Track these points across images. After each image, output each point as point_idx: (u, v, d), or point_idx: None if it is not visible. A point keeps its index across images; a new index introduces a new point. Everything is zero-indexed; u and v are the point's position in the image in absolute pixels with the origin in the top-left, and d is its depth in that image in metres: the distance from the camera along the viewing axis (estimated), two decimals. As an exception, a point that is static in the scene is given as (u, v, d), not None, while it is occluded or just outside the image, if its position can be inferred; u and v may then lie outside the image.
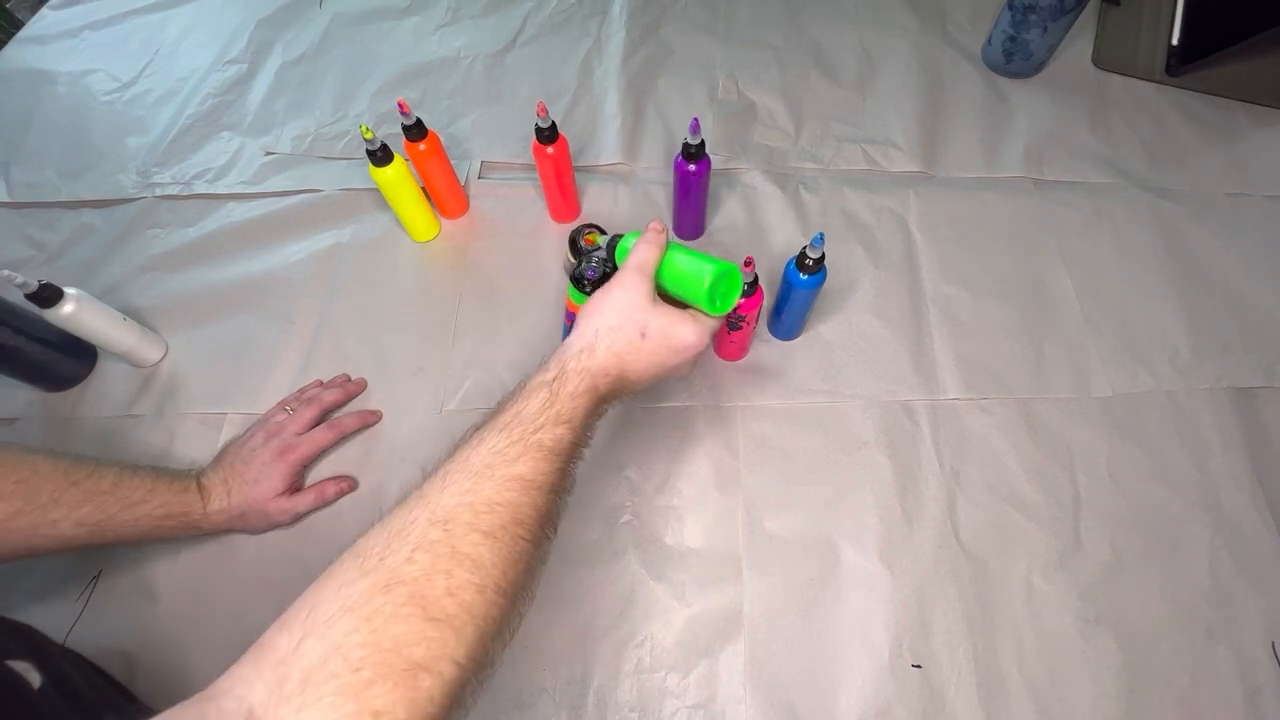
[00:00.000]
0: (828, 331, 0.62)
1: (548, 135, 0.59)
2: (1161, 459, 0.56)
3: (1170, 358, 0.61)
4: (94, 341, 0.58)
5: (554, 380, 0.39)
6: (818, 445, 0.56)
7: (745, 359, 0.61)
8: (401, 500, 0.33)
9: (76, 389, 0.60)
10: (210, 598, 0.51)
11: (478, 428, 0.37)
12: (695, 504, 0.54)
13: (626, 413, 0.58)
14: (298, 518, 0.53)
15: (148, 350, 0.61)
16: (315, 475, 0.56)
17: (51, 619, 0.50)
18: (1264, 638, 0.49)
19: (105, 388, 0.61)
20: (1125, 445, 0.57)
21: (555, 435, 0.37)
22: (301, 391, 0.58)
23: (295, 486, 0.53)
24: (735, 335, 0.56)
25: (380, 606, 0.28)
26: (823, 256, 0.50)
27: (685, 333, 0.42)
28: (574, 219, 0.69)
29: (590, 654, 0.49)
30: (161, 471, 0.49)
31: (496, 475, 0.34)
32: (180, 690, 0.47)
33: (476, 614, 0.30)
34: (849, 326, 0.62)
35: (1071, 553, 0.52)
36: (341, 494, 0.55)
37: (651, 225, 0.45)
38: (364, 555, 0.30)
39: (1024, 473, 0.55)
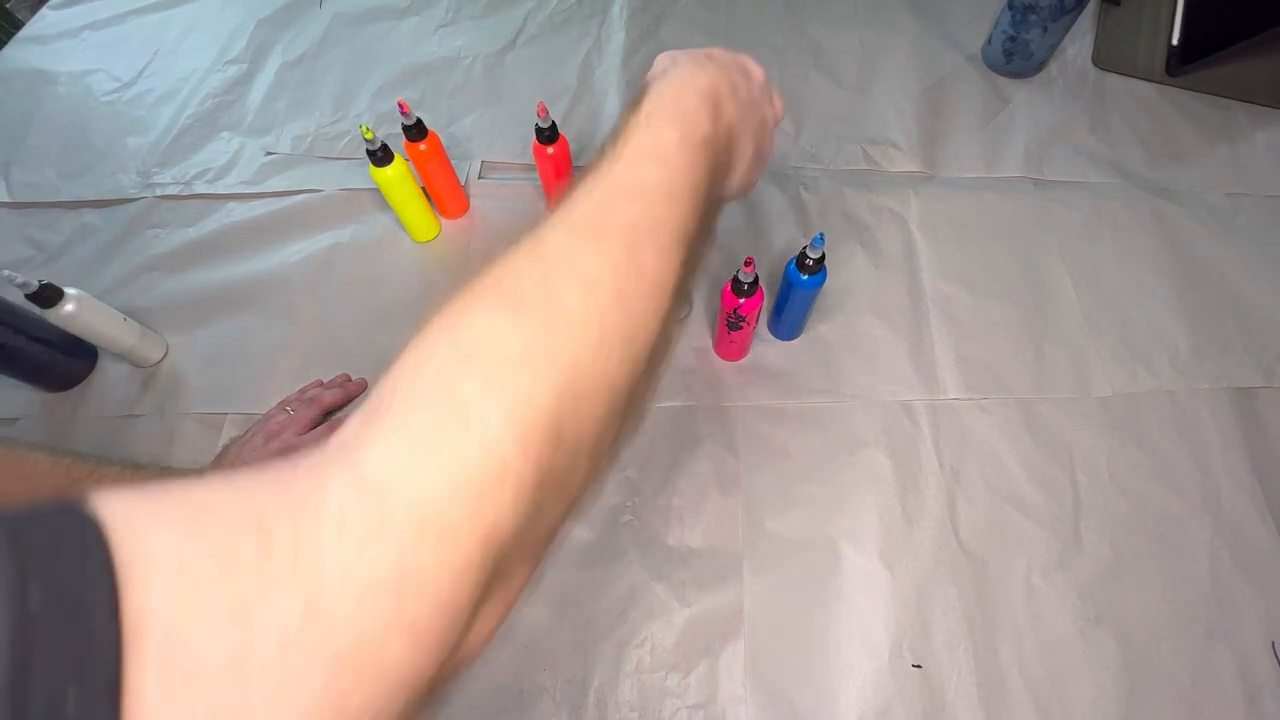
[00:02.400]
0: (828, 331, 0.62)
1: (548, 135, 0.59)
2: (1161, 459, 0.56)
3: (1170, 358, 0.61)
4: (94, 341, 0.58)
5: (634, 103, 0.32)
6: (818, 445, 0.56)
7: (745, 359, 0.61)
8: None
9: (77, 389, 0.60)
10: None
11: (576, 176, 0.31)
12: (695, 504, 0.54)
13: (627, 413, 0.58)
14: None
15: (148, 350, 0.61)
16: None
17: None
18: (1264, 638, 0.49)
19: (105, 388, 0.61)
20: (1125, 445, 0.57)
21: (652, 132, 0.29)
22: (302, 392, 0.58)
23: None
24: (735, 335, 0.56)
25: (464, 316, 0.24)
26: (823, 257, 0.50)
27: (742, 57, 0.37)
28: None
29: (590, 654, 0.49)
30: (166, 470, 0.49)
31: (598, 188, 0.27)
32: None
33: (579, 317, 0.23)
34: (849, 326, 0.62)
35: (1071, 553, 0.52)
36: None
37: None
38: (468, 284, 0.25)
39: (1024, 473, 0.55)
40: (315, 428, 0.55)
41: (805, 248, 0.49)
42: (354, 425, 0.21)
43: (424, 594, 0.18)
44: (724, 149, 0.33)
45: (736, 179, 0.36)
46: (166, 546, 0.15)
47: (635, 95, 0.33)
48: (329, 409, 0.57)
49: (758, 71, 0.38)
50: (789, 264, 0.52)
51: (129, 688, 0.13)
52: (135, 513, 0.16)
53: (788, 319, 0.58)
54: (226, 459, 0.52)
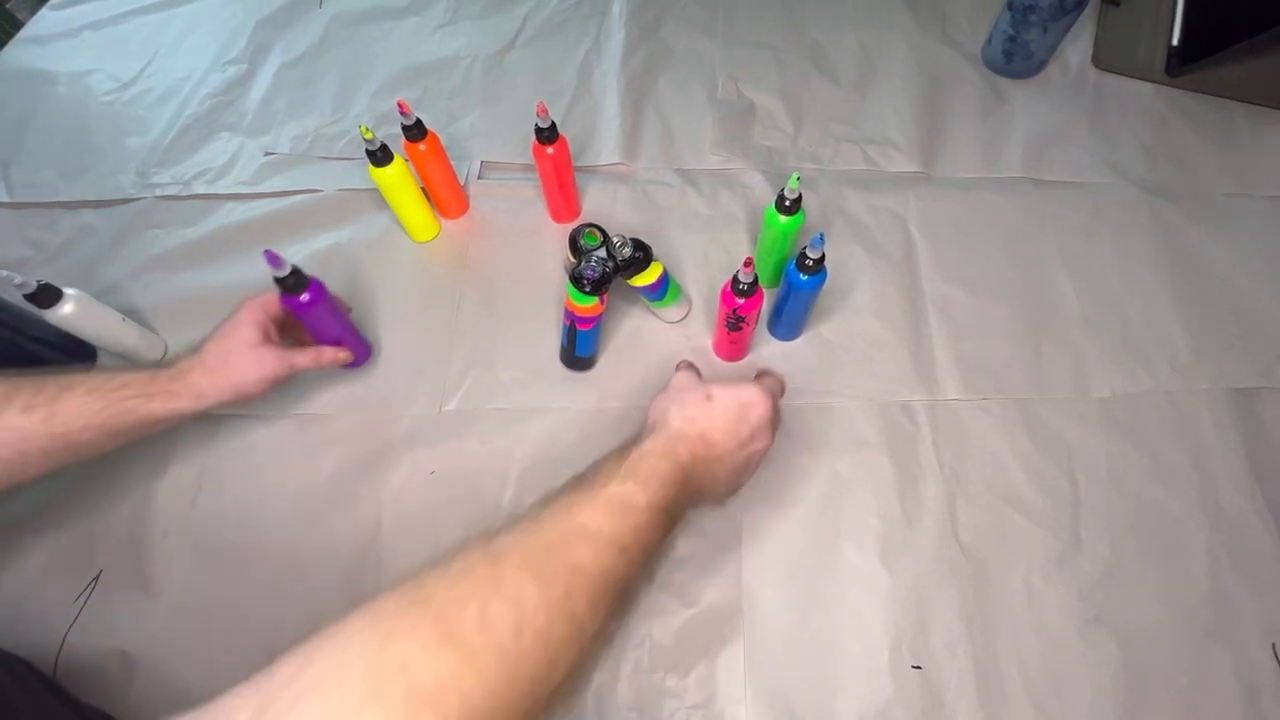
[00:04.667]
0: (828, 331, 0.62)
1: (547, 135, 0.59)
2: (1161, 459, 0.56)
3: (1169, 358, 0.61)
4: (94, 342, 0.58)
5: (627, 445, 0.38)
6: (817, 445, 0.56)
7: (745, 359, 0.61)
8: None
9: (76, 389, 0.60)
10: (210, 598, 0.51)
11: (550, 492, 0.35)
12: (695, 504, 0.54)
13: (627, 412, 0.58)
14: (294, 368, 0.50)
15: (147, 350, 0.61)
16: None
17: (51, 618, 0.50)
18: (1264, 638, 0.49)
19: (105, 388, 0.60)
20: (1124, 445, 0.56)
21: (626, 491, 0.34)
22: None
23: (273, 340, 0.50)
24: (735, 336, 0.56)
25: (399, 625, 0.25)
26: (823, 257, 0.49)
27: (749, 391, 0.42)
28: (574, 219, 0.69)
29: (590, 654, 0.49)
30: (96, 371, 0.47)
31: (558, 523, 0.32)
32: (180, 690, 0.47)
33: (505, 656, 0.26)
34: (849, 326, 0.62)
35: (1071, 553, 0.52)
36: (337, 362, 0.53)
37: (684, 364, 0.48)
38: (408, 581, 0.28)
39: (1023, 473, 0.55)
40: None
41: (805, 248, 0.49)
42: (252, 708, 0.23)
43: None
44: (687, 504, 0.38)
45: (705, 505, 0.42)
46: None
47: (626, 441, 0.39)
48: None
49: (758, 411, 0.42)
50: (789, 264, 0.52)
51: None
52: None
53: (788, 319, 0.58)
54: (203, 351, 0.48)
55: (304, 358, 0.51)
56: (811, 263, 0.50)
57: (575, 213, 0.69)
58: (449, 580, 0.28)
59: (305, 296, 0.49)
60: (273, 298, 0.50)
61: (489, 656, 0.25)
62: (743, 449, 0.41)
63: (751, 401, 0.42)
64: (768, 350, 0.61)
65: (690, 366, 0.48)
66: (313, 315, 0.51)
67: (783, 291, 0.55)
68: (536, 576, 0.29)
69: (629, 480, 0.35)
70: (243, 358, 0.48)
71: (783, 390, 0.46)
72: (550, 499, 0.34)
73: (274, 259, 0.46)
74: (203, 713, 0.24)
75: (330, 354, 0.53)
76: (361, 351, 0.59)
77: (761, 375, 0.46)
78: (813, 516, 0.53)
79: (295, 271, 0.48)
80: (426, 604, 0.26)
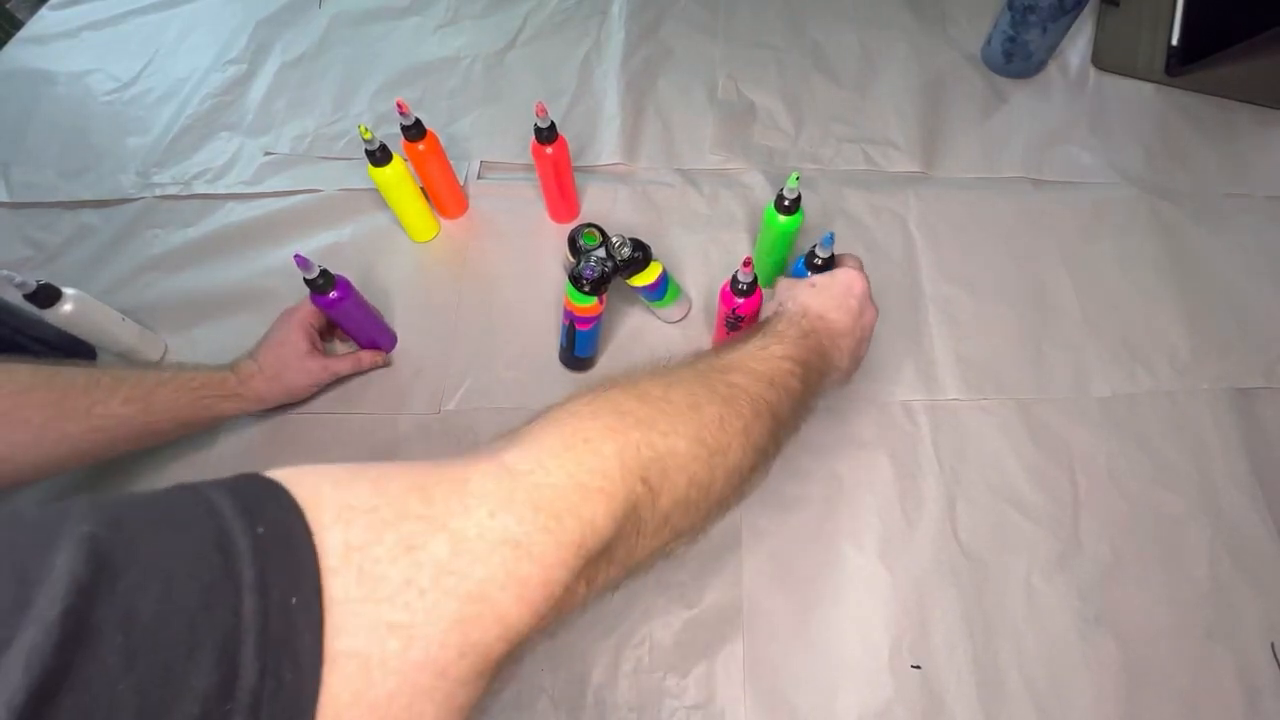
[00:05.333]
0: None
1: (547, 135, 0.59)
2: (1161, 459, 0.56)
3: (1170, 358, 0.61)
4: (93, 342, 0.58)
5: (755, 328, 0.43)
6: (817, 445, 0.56)
7: (745, 359, 0.61)
8: None
9: (76, 389, 0.60)
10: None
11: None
12: (695, 504, 0.54)
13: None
14: (336, 375, 0.57)
15: (147, 350, 0.61)
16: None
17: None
18: (1264, 638, 0.49)
19: (104, 388, 0.60)
20: (1125, 446, 0.56)
21: (763, 343, 0.39)
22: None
23: (319, 349, 0.56)
24: (735, 335, 0.56)
25: (597, 396, 0.31)
26: (832, 256, 0.49)
27: (846, 273, 0.46)
28: (573, 219, 0.69)
29: (589, 654, 0.49)
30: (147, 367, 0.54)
31: (714, 364, 0.37)
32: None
33: (681, 422, 0.31)
34: (849, 326, 0.62)
35: (1071, 553, 0.52)
36: (375, 365, 0.59)
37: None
38: (626, 382, 0.33)
39: (1024, 473, 0.55)
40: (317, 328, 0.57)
41: (815, 246, 0.49)
42: (500, 441, 0.28)
43: (533, 559, 0.23)
44: (820, 368, 0.43)
45: (833, 381, 0.46)
46: (358, 500, 0.21)
47: (770, 317, 0.45)
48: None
49: (858, 286, 0.46)
50: (797, 263, 0.52)
51: (330, 595, 0.19)
52: (320, 482, 0.21)
53: None
54: (258, 358, 0.54)
55: (344, 364, 0.57)
56: (821, 261, 0.49)
57: (575, 213, 0.69)
58: (634, 374, 0.33)
59: (334, 294, 0.53)
60: (314, 308, 0.55)
61: (671, 413, 0.31)
62: (856, 321, 0.46)
63: (851, 280, 0.46)
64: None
65: (783, 279, 0.50)
66: (342, 311, 0.55)
67: None
68: (702, 381, 0.34)
69: (766, 337, 0.40)
70: (295, 366, 0.54)
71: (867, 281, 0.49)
72: (696, 357, 0.39)
73: (303, 262, 0.50)
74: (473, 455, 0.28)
75: (369, 358, 0.58)
76: (390, 339, 0.62)
77: (842, 259, 0.49)
78: (813, 516, 0.53)
79: (324, 272, 0.52)
80: (618, 382, 0.32)
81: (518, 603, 0.22)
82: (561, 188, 0.64)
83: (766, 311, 0.48)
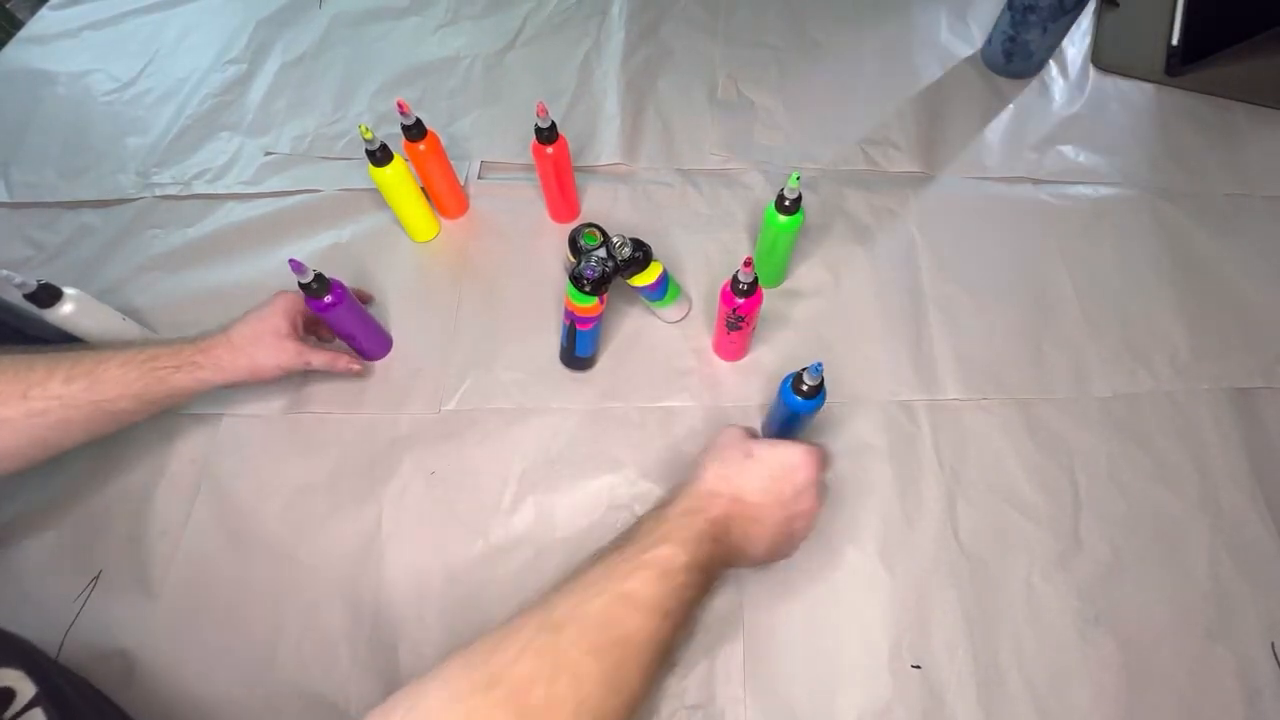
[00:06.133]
0: (828, 331, 0.62)
1: (547, 135, 0.59)
2: (1161, 459, 0.56)
3: (1170, 358, 0.61)
4: (93, 342, 0.58)
5: (664, 505, 0.39)
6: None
7: (745, 359, 0.61)
8: (520, 608, 0.33)
9: (76, 389, 0.60)
10: (210, 598, 0.51)
11: (600, 550, 0.37)
12: (695, 504, 0.54)
13: (625, 412, 0.58)
14: (308, 365, 0.53)
15: (147, 350, 0.61)
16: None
17: (50, 618, 0.50)
18: (1264, 638, 0.49)
19: (105, 388, 0.60)
20: (1125, 445, 0.56)
21: (665, 554, 0.35)
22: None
23: (297, 335, 0.53)
24: (735, 336, 0.56)
25: (477, 706, 0.28)
26: (821, 383, 0.44)
27: (791, 452, 0.42)
28: (573, 219, 0.69)
29: (590, 654, 0.49)
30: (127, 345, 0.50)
31: (607, 591, 0.33)
32: (180, 690, 0.47)
33: None
34: (849, 326, 0.62)
35: (1071, 553, 0.52)
36: (350, 373, 0.56)
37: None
38: (473, 651, 0.30)
39: (1024, 473, 0.55)
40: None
41: (803, 372, 0.45)
42: None
43: None
44: (723, 562, 0.39)
45: (742, 565, 0.42)
46: None
47: (664, 496, 0.41)
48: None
49: (803, 471, 0.41)
50: (784, 384, 0.47)
51: None
52: None
53: (782, 433, 0.53)
54: (230, 336, 0.51)
55: (320, 357, 0.54)
56: (807, 388, 0.45)
57: (575, 213, 0.69)
58: (515, 655, 0.30)
59: (328, 299, 0.52)
60: (305, 307, 0.53)
61: None
62: (782, 509, 0.41)
63: (795, 464, 0.41)
64: (768, 350, 0.61)
65: (742, 428, 0.46)
66: (335, 315, 0.54)
67: (781, 411, 0.49)
68: (593, 651, 0.31)
69: (668, 543, 0.36)
70: (267, 343, 0.51)
71: (828, 461, 0.45)
72: (600, 557, 0.36)
73: (298, 266, 0.49)
74: None
75: (344, 362, 0.56)
76: (384, 344, 0.61)
77: (803, 443, 0.44)
78: (813, 516, 0.53)
79: (318, 276, 0.51)
80: (499, 684, 0.29)
81: None
82: (562, 188, 0.64)
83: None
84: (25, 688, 0.34)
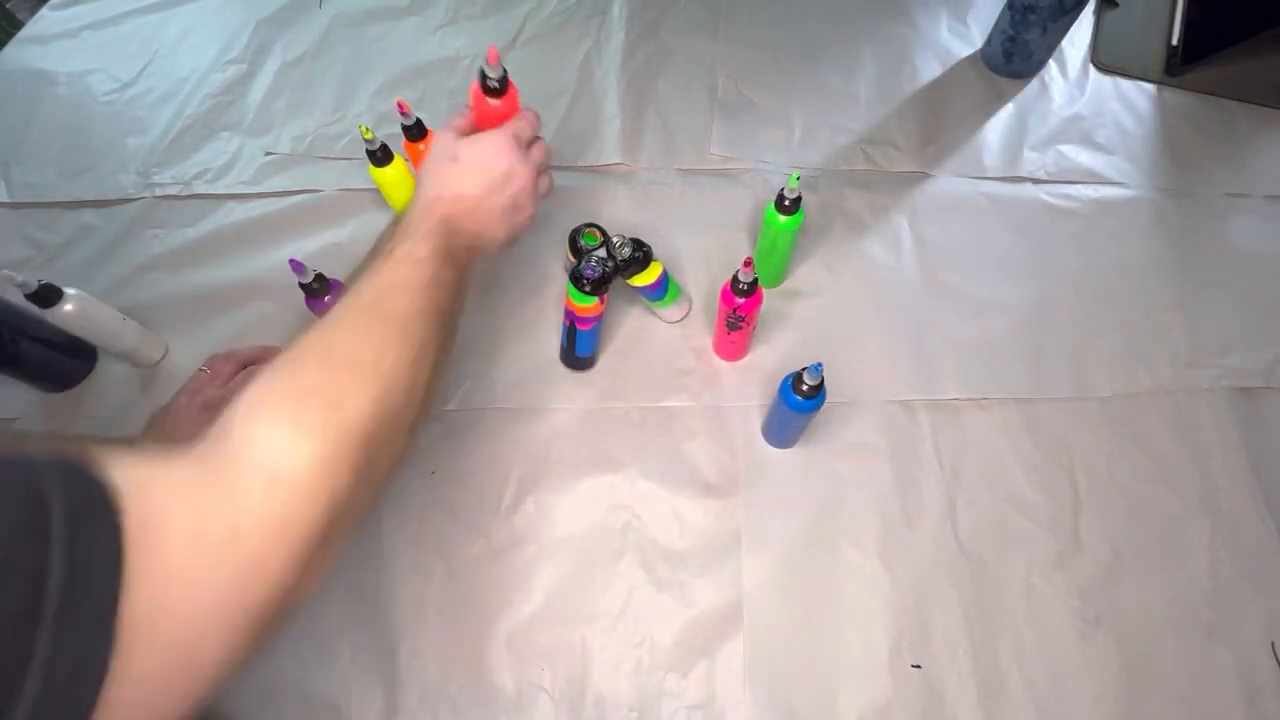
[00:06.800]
0: (828, 331, 0.62)
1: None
2: (1161, 459, 0.56)
3: (1170, 358, 0.61)
4: (94, 341, 0.58)
5: (393, 223, 0.43)
6: (818, 445, 0.56)
7: (745, 359, 0.61)
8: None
9: (77, 389, 0.60)
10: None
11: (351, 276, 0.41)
12: (695, 504, 0.54)
13: (625, 412, 0.58)
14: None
15: (148, 350, 0.61)
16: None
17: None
18: (1264, 638, 0.49)
19: (105, 388, 0.61)
20: (1125, 445, 0.56)
21: (407, 249, 0.40)
22: (213, 356, 0.58)
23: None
24: (735, 335, 0.56)
25: (290, 368, 0.33)
26: (821, 383, 0.45)
27: (488, 141, 0.45)
28: None
29: (590, 654, 0.49)
30: (89, 436, 0.50)
31: (371, 286, 0.38)
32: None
33: (380, 374, 0.34)
34: (849, 326, 0.62)
35: (1071, 553, 0.52)
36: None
37: (463, 108, 0.49)
38: (289, 351, 0.34)
39: (1024, 473, 0.55)
40: (234, 380, 0.55)
41: (803, 372, 0.45)
42: (241, 412, 0.30)
43: (296, 529, 0.28)
44: (466, 248, 0.43)
45: (492, 247, 0.46)
46: (168, 498, 0.26)
47: (389, 223, 0.44)
48: (246, 363, 0.57)
49: (506, 151, 0.45)
50: (784, 382, 0.48)
51: (129, 562, 0.22)
52: (138, 473, 0.25)
53: (782, 434, 0.55)
54: (155, 424, 0.53)
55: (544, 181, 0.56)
56: (807, 388, 0.45)
57: None
58: (304, 342, 0.34)
59: (329, 298, 0.53)
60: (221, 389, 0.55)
61: (367, 372, 0.34)
62: (499, 192, 0.45)
63: (494, 150, 0.45)
64: (767, 350, 0.61)
65: (451, 125, 0.48)
66: None
67: (781, 411, 0.51)
68: (373, 323, 0.36)
69: (407, 240, 0.40)
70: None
71: (533, 126, 0.48)
72: (354, 274, 0.40)
73: (298, 266, 0.50)
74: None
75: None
76: None
77: (514, 120, 0.47)
78: (813, 516, 0.53)
79: (319, 276, 0.52)
80: (311, 349, 0.34)
81: (285, 566, 0.28)
82: None
83: None
84: None
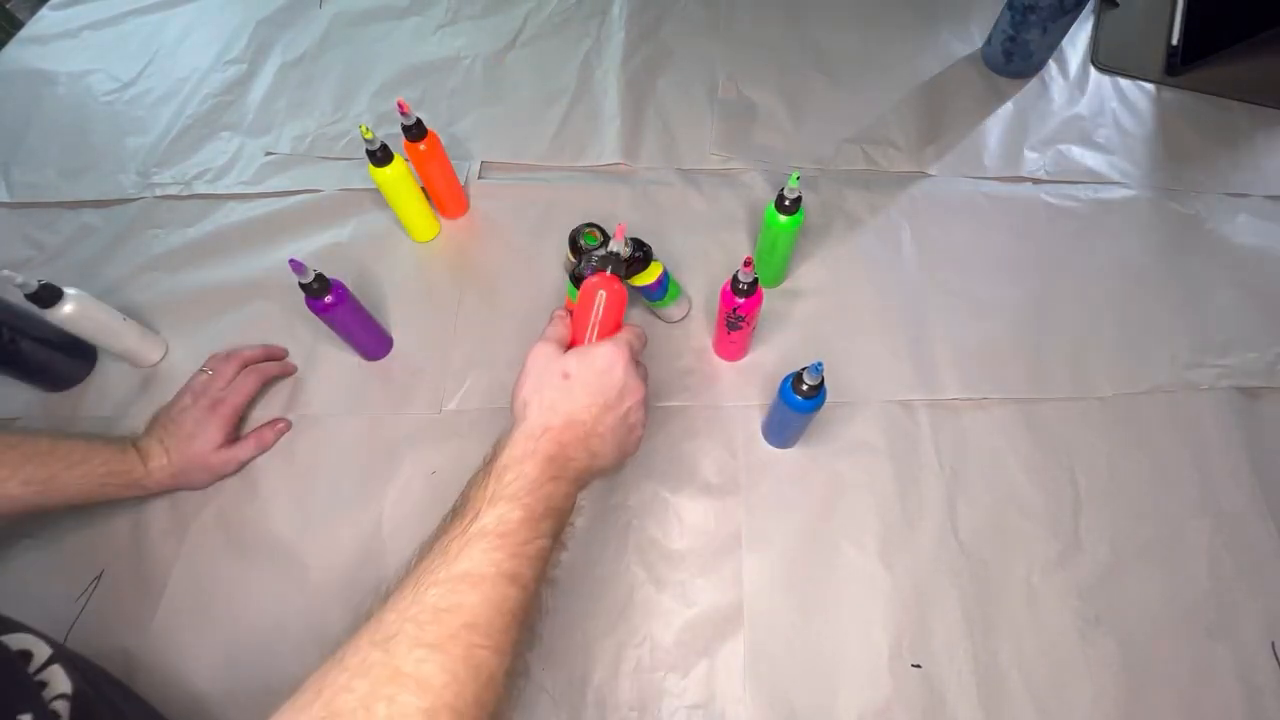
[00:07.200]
0: (828, 331, 0.62)
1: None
2: (1161, 459, 0.56)
3: (1170, 357, 0.61)
4: (94, 341, 0.58)
5: (491, 460, 0.36)
6: (818, 445, 0.56)
7: (745, 359, 0.61)
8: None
9: (76, 389, 0.60)
10: (210, 597, 0.51)
11: (426, 540, 0.34)
12: (695, 504, 0.54)
13: (626, 413, 0.58)
14: (241, 465, 0.55)
15: (148, 350, 0.61)
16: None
17: (52, 618, 0.50)
18: (1264, 638, 0.49)
19: (105, 388, 0.61)
20: (1125, 445, 0.56)
21: (499, 515, 0.33)
22: (214, 356, 0.59)
23: (232, 437, 0.55)
24: (735, 335, 0.56)
25: None
26: (821, 382, 0.45)
27: (603, 354, 0.40)
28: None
29: (590, 654, 0.49)
30: (96, 436, 0.51)
31: (439, 577, 0.30)
32: (180, 689, 0.47)
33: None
34: (849, 327, 0.62)
35: (1071, 553, 0.52)
36: (280, 434, 0.57)
37: (557, 314, 0.45)
38: (303, 690, 0.27)
39: (1024, 473, 0.55)
40: (237, 379, 0.56)
41: (803, 372, 0.45)
42: None
43: None
44: (574, 490, 0.37)
45: (601, 479, 0.41)
46: None
47: (486, 459, 0.37)
48: (249, 362, 0.58)
49: (618, 368, 0.39)
50: (784, 383, 0.47)
51: None
52: None
53: (782, 434, 0.55)
54: (158, 422, 0.54)
55: (246, 450, 0.55)
56: (807, 388, 0.45)
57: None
58: (345, 682, 0.27)
59: (329, 299, 0.53)
60: (238, 400, 0.55)
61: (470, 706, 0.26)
62: (614, 411, 0.39)
63: (608, 365, 0.39)
64: (767, 350, 0.61)
65: (550, 337, 0.42)
66: (336, 316, 0.54)
67: (781, 411, 0.50)
68: (433, 649, 0.28)
69: (499, 502, 0.33)
70: (200, 464, 0.53)
71: (642, 340, 0.44)
72: (426, 548, 0.33)
73: (298, 266, 0.49)
74: None
75: (271, 436, 0.56)
76: (384, 345, 0.61)
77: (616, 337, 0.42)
78: (813, 516, 0.53)
79: (319, 277, 0.51)
80: (335, 717, 0.26)
81: None
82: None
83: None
84: (41, 649, 0.35)
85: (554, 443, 0.37)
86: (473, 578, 0.30)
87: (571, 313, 0.44)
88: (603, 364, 0.39)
